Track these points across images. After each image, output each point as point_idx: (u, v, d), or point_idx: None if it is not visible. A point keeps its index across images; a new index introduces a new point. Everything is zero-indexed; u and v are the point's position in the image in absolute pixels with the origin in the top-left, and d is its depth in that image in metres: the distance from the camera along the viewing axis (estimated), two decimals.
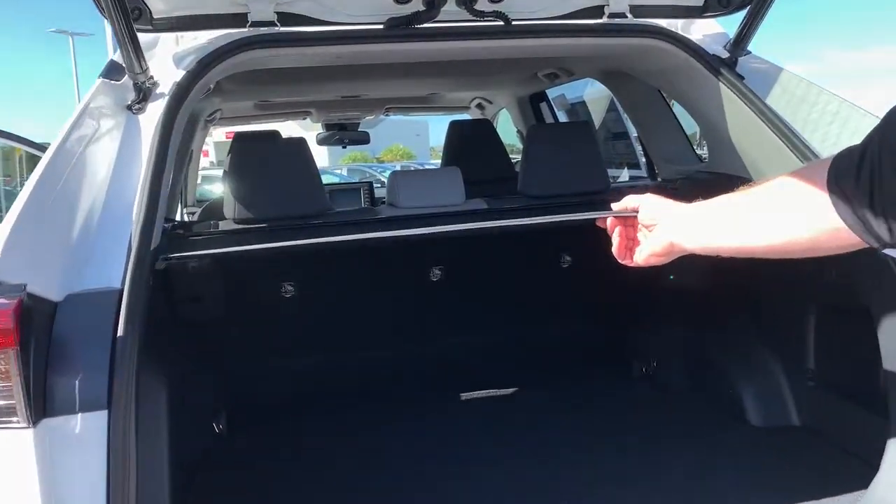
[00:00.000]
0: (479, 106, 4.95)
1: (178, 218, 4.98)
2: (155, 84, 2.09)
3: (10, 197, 7.28)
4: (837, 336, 2.39)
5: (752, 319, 2.75)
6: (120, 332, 1.49)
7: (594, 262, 3.04)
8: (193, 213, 4.72)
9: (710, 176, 2.77)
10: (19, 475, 1.39)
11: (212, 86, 3.27)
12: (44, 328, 1.46)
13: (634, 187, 3.16)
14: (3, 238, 1.51)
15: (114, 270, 1.61)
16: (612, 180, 3.54)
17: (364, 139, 5.31)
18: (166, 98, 2.03)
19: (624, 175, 5.33)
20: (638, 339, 3.15)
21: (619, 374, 3.17)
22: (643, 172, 4.17)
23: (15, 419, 1.39)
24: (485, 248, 2.88)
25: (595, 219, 1.45)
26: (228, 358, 2.89)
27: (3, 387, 1.38)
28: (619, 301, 3.29)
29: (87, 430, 1.43)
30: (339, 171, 21.65)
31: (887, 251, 1.93)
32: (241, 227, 2.64)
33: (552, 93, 4.46)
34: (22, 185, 7.41)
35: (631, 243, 1.35)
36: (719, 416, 2.70)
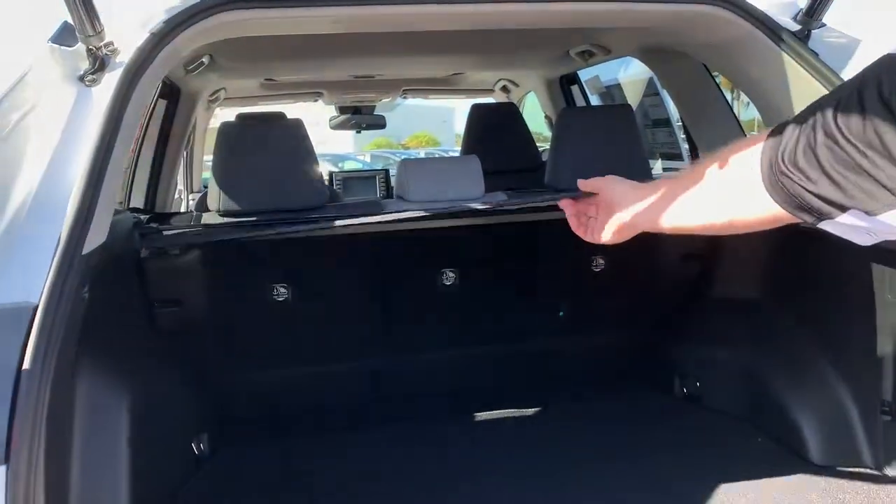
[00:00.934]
0: (504, 89, 4.56)
1: (182, 207, 4.70)
2: (114, 51, 1.75)
3: None
4: None
5: (816, 338, 2.35)
6: (27, 362, 1.16)
7: (631, 267, 2.69)
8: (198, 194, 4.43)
9: None
10: None
11: (206, 60, 2.95)
12: None
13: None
14: None
15: (32, 279, 1.28)
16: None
17: (380, 123, 4.96)
18: (125, 67, 1.68)
19: (657, 168, 4.94)
20: (680, 354, 2.77)
21: (658, 392, 2.80)
22: (687, 163, 3.79)
23: None
24: (504, 249, 2.52)
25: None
26: (211, 370, 2.57)
27: None
28: (660, 310, 2.92)
29: None
30: (361, 158, 21.33)
31: None
32: (225, 220, 2.30)
33: (584, 75, 4.06)
34: None
35: (589, 221, 1.44)
36: (774, 449, 2.32)
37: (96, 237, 1.47)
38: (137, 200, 3.43)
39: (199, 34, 1.80)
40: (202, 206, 3.18)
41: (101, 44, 1.71)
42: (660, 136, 4.80)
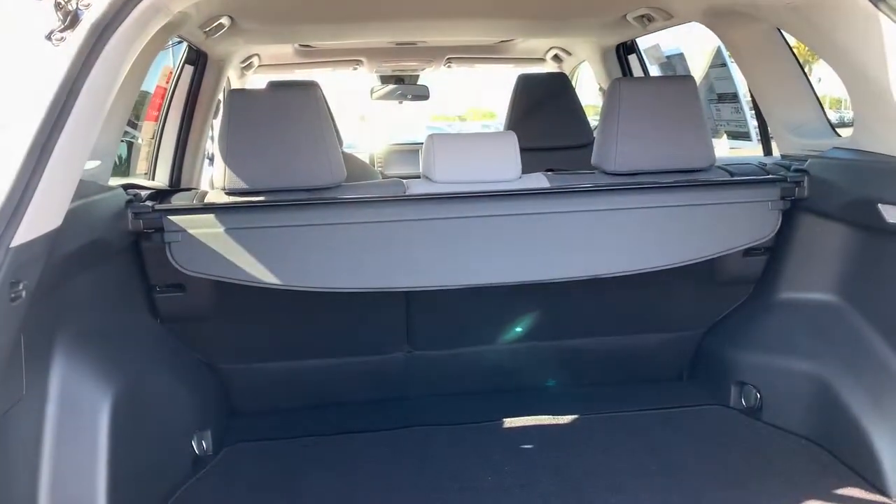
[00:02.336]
0: (556, 58, 4.22)
1: (201, 184, 4.51)
2: (87, 5, 1.52)
3: None
4: None
5: None
6: None
7: (703, 266, 2.37)
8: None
9: (855, 156, 2.03)
10: None
11: (226, 22, 2.72)
12: None
13: (747, 165, 2.43)
14: None
15: None
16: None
17: (424, 94, 4.69)
18: (100, 24, 1.46)
19: (723, 147, 4.53)
20: (743, 362, 2.45)
21: (713, 403, 2.49)
22: (755, 144, 3.41)
23: None
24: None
25: None
26: (217, 361, 2.37)
27: None
28: (718, 310, 2.60)
29: None
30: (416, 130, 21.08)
31: None
32: (229, 200, 2.08)
33: (644, 44, 3.70)
34: None
35: None
36: (848, 478, 2.01)
37: (40, 224, 1.25)
38: (163, 174, 3.26)
39: None
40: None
41: None
42: (725, 113, 4.38)
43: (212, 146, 4.38)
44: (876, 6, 1.66)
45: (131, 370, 1.87)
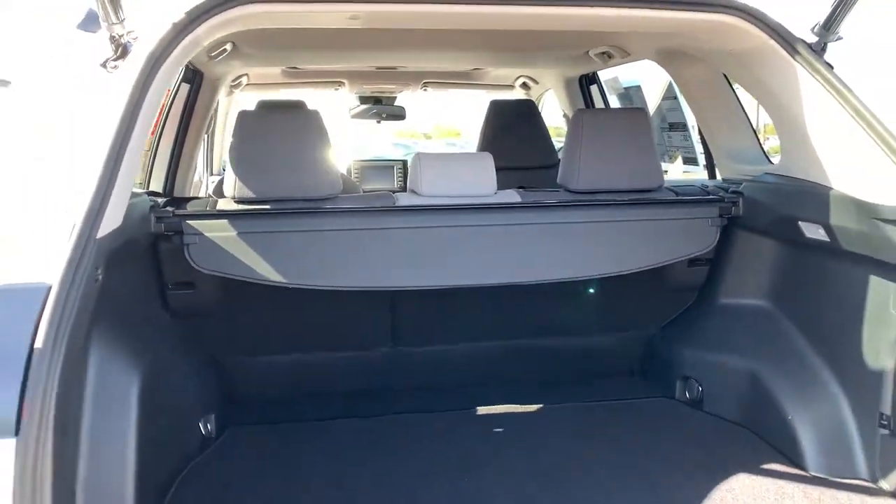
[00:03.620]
0: (525, 85, 4.57)
1: (202, 191, 4.75)
2: (136, 39, 1.79)
3: None
4: None
5: (819, 348, 2.36)
6: (39, 341, 1.21)
7: (652, 272, 2.70)
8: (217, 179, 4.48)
9: (782, 181, 2.38)
10: None
11: (228, 48, 2.99)
12: None
13: (691, 187, 2.78)
14: None
15: (46, 259, 1.33)
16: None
17: (400, 114, 4.99)
18: (147, 55, 1.73)
19: (676, 170, 4.92)
20: (684, 358, 2.79)
21: (661, 395, 2.82)
22: (700, 169, 3.78)
23: None
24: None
25: None
26: (220, 353, 2.62)
27: None
28: (666, 315, 2.93)
29: None
30: (381, 146, 21.36)
31: None
32: (239, 207, 2.35)
33: (605, 76, 4.06)
34: None
35: None
36: (774, 457, 2.33)
37: (112, 221, 1.51)
38: (157, 182, 3.49)
39: (218, 25, 1.84)
40: (220, 190, 3.23)
41: (124, 31, 1.76)
42: (675, 140, 4.79)
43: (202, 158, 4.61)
44: (793, 59, 2.01)
45: (151, 357, 2.12)
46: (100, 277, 1.44)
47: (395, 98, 4.93)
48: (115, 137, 1.52)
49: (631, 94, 4.46)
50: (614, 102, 4.09)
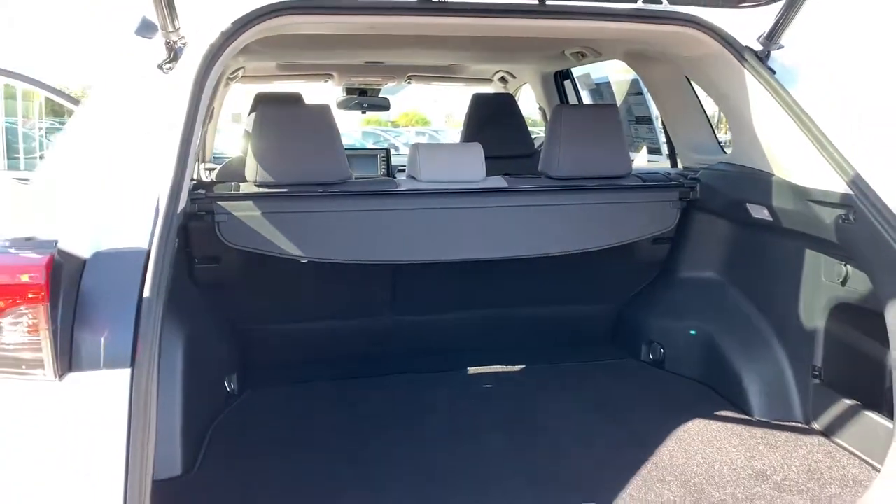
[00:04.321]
0: (503, 80, 4.92)
1: (195, 175, 5.01)
2: (186, 44, 2.09)
3: (28, 139, 7.28)
4: (846, 335, 2.40)
5: (763, 313, 2.76)
6: (146, 293, 1.52)
7: (610, 248, 3.07)
8: (211, 171, 4.74)
9: (732, 168, 2.76)
10: (45, 427, 1.43)
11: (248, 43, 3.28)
12: (72, 284, 1.49)
13: (655, 174, 3.15)
14: (38, 192, 1.53)
15: (142, 229, 1.63)
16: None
17: (384, 105, 5.30)
18: (199, 59, 2.02)
19: (640, 159, 5.30)
20: (648, 325, 3.17)
21: (628, 357, 3.20)
22: (664, 158, 4.16)
23: (42, 372, 1.42)
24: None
25: None
26: (241, 321, 2.92)
27: (31, 340, 1.41)
28: (634, 287, 3.31)
29: (110, 386, 1.47)
30: (353, 135, 21.57)
31: None
32: (262, 190, 2.65)
33: (577, 71, 4.42)
34: (39, 126, 7.22)
35: None
36: (722, 405, 2.72)
37: (183, 201, 1.82)
38: None
39: (259, 32, 2.14)
40: (229, 175, 3.52)
41: (178, 38, 2.05)
42: (642, 132, 5.18)
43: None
44: (741, 64, 2.38)
45: (190, 323, 2.42)
46: (176, 245, 1.75)
47: (379, 90, 5.23)
48: (184, 129, 1.83)
49: (601, 90, 4.83)
50: (586, 97, 4.45)
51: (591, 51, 3.44)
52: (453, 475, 2.26)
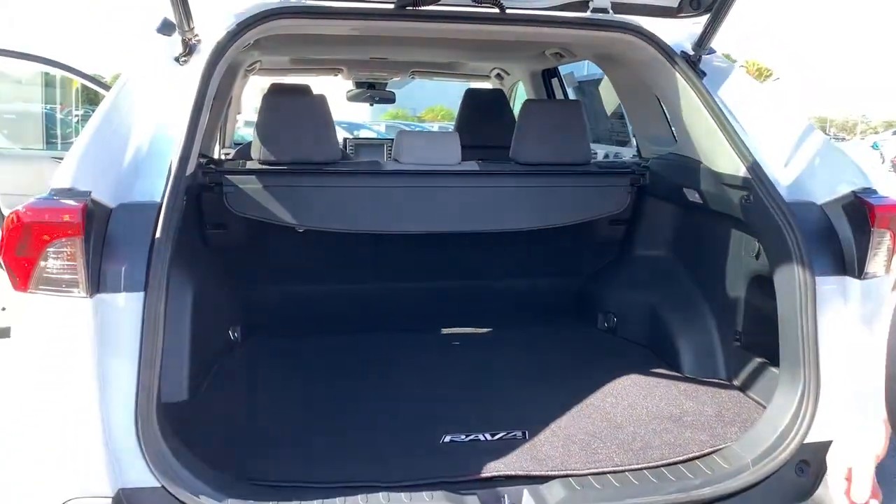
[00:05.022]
0: (498, 76, 5.33)
1: (215, 156, 5.48)
2: (199, 41, 2.53)
3: (65, 124, 7.82)
4: (761, 303, 2.78)
5: (698, 285, 3.13)
6: (158, 235, 1.96)
7: (571, 228, 3.46)
8: (229, 154, 5.21)
9: (675, 158, 3.14)
10: (79, 332, 1.87)
11: (251, 41, 3.72)
12: (101, 226, 1.93)
13: (613, 162, 3.54)
14: (76, 158, 1.98)
15: (156, 188, 2.07)
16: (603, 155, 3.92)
17: (390, 98, 5.74)
18: (208, 54, 2.46)
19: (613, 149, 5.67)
20: (606, 298, 3.56)
21: (586, 324, 3.59)
22: (634, 149, 4.54)
23: (77, 291, 1.87)
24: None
25: None
26: (244, 280, 3.36)
27: (69, 265, 1.85)
28: (596, 264, 3.71)
29: (127, 305, 1.91)
30: (376, 128, 22.04)
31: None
32: (264, 167, 3.09)
33: (564, 70, 4.81)
34: (75, 113, 7.76)
35: None
36: (660, 364, 3.10)
37: (191, 166, 2.26)
38: None
39: (258, 32, 2.57)
40: (242, 156, 3.97)
41: (192, 36, 2.49)
42: (616, 126, 5.56)
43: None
44: (673, 67, 2.76)
45: (199, 276, 2.86)
46: (184, 202, 2.18)
47: (386, 84, 5.67)
48: (194, 109, 2.26)
49: (583, 87, 5.21)
50: (571, 93, 4.84)
51: (566, 52, 3.84)
52: (417, 402, 2.68)
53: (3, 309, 3.28)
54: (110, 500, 1.90)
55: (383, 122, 24.57)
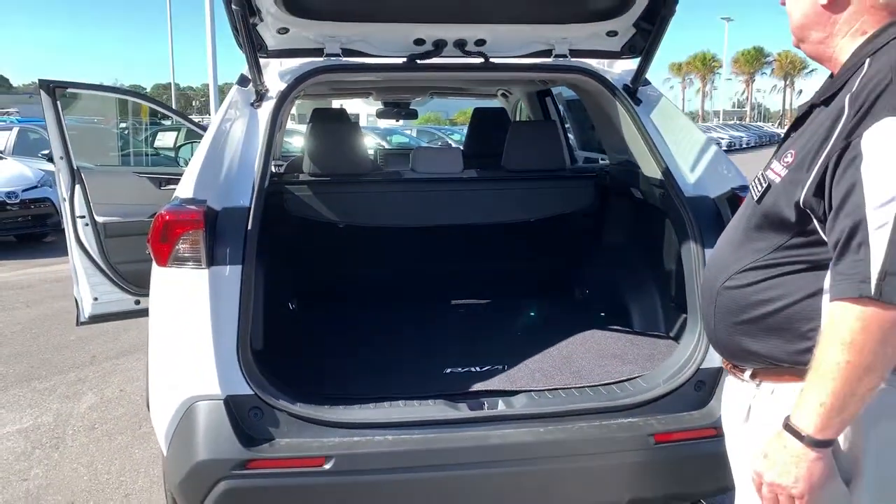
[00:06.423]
0: (504, 95, 6.31)
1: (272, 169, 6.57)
2: (267, 91, 3.54)
3: (138, 143, 8.77)
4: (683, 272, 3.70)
5: (648, 265, 4.06)
6: (249, 228, 2.97)
7: (554, 220, 4.41)
8: (280, 166, 6.26)
9: (626, 163, 4.08)
10: (200, 291, 2.88)
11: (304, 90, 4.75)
12: (213, 222, 2.94)
13: (584, 167, 4.49)
14: (194, 177, 3.00)
15: (245, 196, 3.08)
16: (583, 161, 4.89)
17: (414, 115, 6.78)
18: (273, 100, 3.47)
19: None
20: (581, 278, 4.51)
21: (565, 297, 4.54)
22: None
23: (199, 264, 2.88)
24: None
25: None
26: (301, 264, 4.38)
27: (194, 248, 2.86)
28: (574, 251, 4.66)
29: (231, 274, 2.91)
30: (408, 132, 23.09)
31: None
32: (312, 178, 4.11)
33: (556, 90, 5.76)
34: (123, 127, 8.31)
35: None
36: (618, 326, 4.03)
37: (266, 181, 3.27)
38: None
39: (309, 83, 3.58)
40: (293, 168, 5.01)
41: (263, 87, 3.51)
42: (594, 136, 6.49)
43: None
44: (614, 98, 3.69)
45: (267, 261, 3.86)
46: (263, 207, 3.18)
47: (409, 103, 6.69)
48: (266, 142, 3.26)
49: (571, 105, 6.12)
50: (563, 110, 5.82)
51: (548, 79, 4.80)
52: (429, 347, 3.67)
53: (137, 302, 4.41)
54: (222, 400, 2.89)
55: (415, 127, 25.67)
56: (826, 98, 1.79)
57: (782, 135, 2.07)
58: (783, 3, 1.92)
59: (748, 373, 1.97)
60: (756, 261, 1.85)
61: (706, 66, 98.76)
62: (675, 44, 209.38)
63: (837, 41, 1.81)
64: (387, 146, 18.18)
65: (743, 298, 1.87)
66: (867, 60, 1.70)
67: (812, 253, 1.75)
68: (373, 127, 21.74)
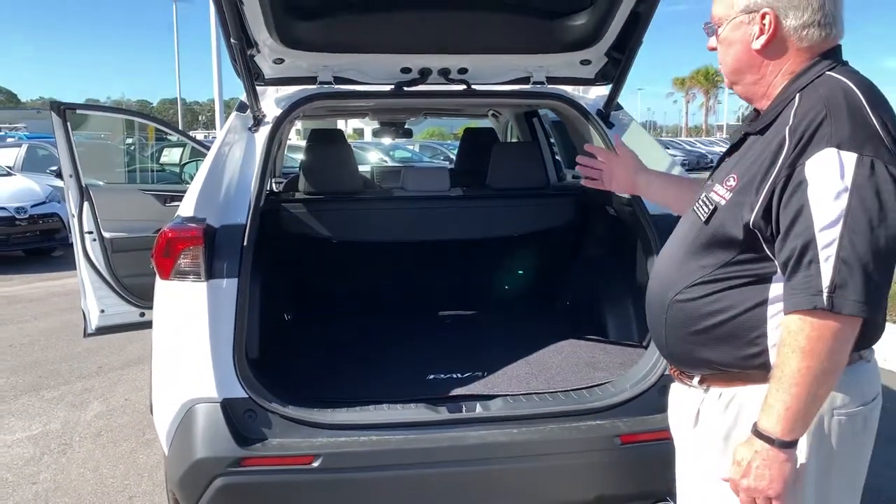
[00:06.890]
0: (494, 115, 6.58)
1: (269, 186, 6.84)
2: (264, 116, 3.80)
3: (143, 160, 9.04)
4: None
5: (623, 275, 4.29)
6: (244, 244, 3.22)
7: (537, 233, 4.65)
8: (280, 183, 6.52)
9: None
10: (199, 302, 3.12)
11: (299, 115, 5.02)
12: (211, 239, 3.19)
13: (565, 185, 4.74)
14: (195, 197, 3.25)
15: (241, 214, 3.33)
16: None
17: (409, 134, 7.06)
18: (269, 125, 3.73)
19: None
20: (561, 286, 4.75)
21: (549, 307, 4.78)
22: None
23: (199, 277, 3.12)
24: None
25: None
26: (293, 279, 4.63)
27: (194, 262, 3.11)
28: (557, 263, 4.90)
29: (228, 286, 3.15)
30: (411, 147, 23.41)
31: None
32: (307, 196, 4.36)
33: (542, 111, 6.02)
34: (129, 143, 8.48)
35: (602, 174, 2.70)
36: (593, 333, 4.26)
37: (262, 201, 3.52)
38: None
39: (304, 109, 3.84)
40: (291, 186, 5.27)
41: (260, 113, 3.77)
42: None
43: None
44: (588, 123, 3.94)
45: (262, 276, 4.11)
46: (258, 225, 3.43)
47: (404, 122, 6.96)
48: (263, 163, 3.52)
49: (557, 127, 6.40)
50: (548, 129, 6.10)
51: (532, 102, 5.06)
52: (415, 355, 3.90)
53: (142, 315, 4.66)
54: (219, 403, 3.12)
55: (417, 142, 26.02)
56: (761, 128, 1.99)
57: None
58: (712, 49, 2.16)
59: (696, 378, 2.16)
60: (704, 276, 1.99)
61: (709, 80, 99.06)
62: (679, 59, 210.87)
63: (770, 80, 2.03)
64: (389, 161, 18.58)
65: (695, 311, 2.01)
66: (797, 95, 1.91)
67: (757, 268, 1.91)
68: (376, 143, 22.12)
